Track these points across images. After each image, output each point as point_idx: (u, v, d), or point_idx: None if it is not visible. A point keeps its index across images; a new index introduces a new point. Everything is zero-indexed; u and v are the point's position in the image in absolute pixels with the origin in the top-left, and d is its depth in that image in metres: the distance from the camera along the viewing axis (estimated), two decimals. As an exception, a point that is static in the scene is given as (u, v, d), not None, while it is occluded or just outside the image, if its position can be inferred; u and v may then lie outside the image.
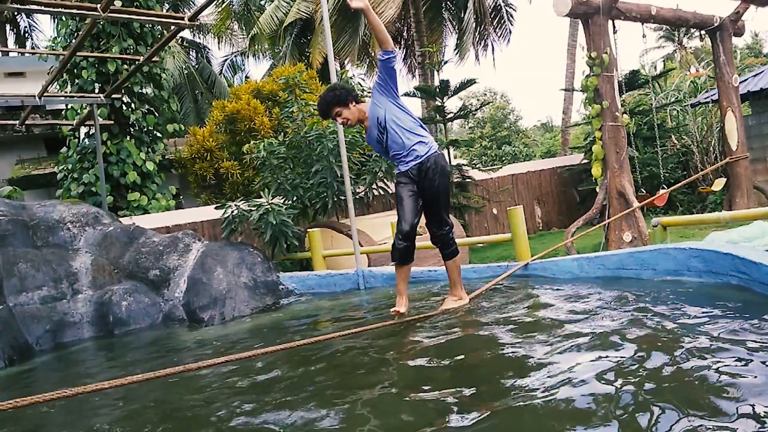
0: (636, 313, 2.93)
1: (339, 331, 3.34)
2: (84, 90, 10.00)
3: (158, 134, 11.25)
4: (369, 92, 3.60)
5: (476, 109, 20.53)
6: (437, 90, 11.29)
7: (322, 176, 7.64)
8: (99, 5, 5.63)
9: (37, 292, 4.97)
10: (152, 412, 2.66)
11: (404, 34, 19.54)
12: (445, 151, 11.40)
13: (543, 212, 13.25)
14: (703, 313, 2.78)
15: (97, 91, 9.87)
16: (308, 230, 6.99)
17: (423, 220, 3.76)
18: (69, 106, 10.85)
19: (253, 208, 6.89)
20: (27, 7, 5.67)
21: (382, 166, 8.01)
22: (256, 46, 19.28)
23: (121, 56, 9.52)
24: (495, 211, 12.34)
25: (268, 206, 6.78)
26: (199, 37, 22.40)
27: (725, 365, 2.08)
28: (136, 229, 5.85)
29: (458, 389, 2.26)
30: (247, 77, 22.94)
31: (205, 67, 21.39)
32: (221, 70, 22.86)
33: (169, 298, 5.30)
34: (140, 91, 10.67)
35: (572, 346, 2.56)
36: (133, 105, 10.56)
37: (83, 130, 10.62)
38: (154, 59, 7.93)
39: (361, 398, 2.33)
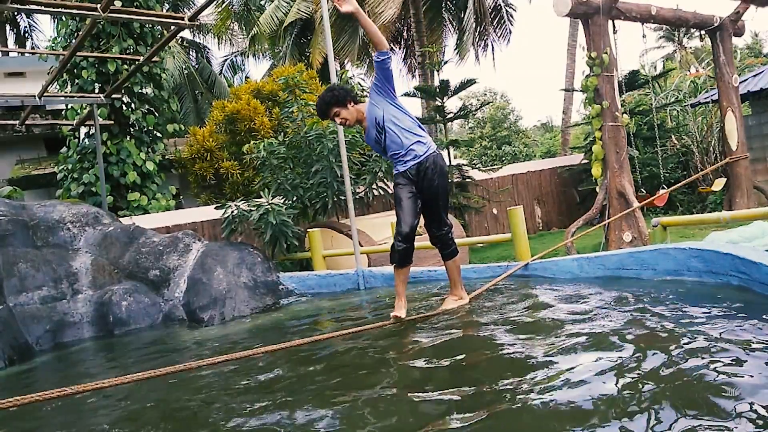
0: (636, 313, 2.93)
1: (339, 331, 3.35)
2: (84, 90, 10.01)
3: (158, 134, 11.25)
4: (369, 92, 3.60)
5: (476, 109, 20.53)
6: (437, 90, 11.29)
7: (322, 176, 7.64)
8: (99, 5, 5.63)
9: (37, 292, 4.97)
10: (152, 412, 2.66)
11: (404, 34, 19.55)
12: (445, 151, 11.41)
13: (543, 212, 13.25)
14: (703, 313, 2.78)
15: (97, 91, 9.88)
16: (308, 230, 6.99)
17: (422, 221, 3.76)
18: (69, 106, 10.85)
19: (253, 208, 6.89)
20: (27, 7, 5.67)
21: (382, 166, 8.01)
22: (256, 46, 19.29)
23: (121, 56, 9.53)
24: (495, 211, 12.35)
25: (268, 206, 6.79)
26: (199, 37, 22.41)
27: (725, 365, 2.07)
28: (136, 229, 5.85)
29: (458, 389, 2.26)
30: (247, 77, 22.96)
31: (205, 67, 21.39)
32: (221, 70, 22.87)
33: (169, 298, 5.30)
34: (140, 91, 10.67)
35: (572, 346, 2.56)
36: (133, 105, 10.56)
37: (83, 130, 10.63)
38: (154, 59, 7.93)
39: (361, 398, 2.33)
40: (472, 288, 4.07)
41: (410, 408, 2.19)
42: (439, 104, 11.44)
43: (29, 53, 16.54)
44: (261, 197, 7.23)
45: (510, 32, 18.98)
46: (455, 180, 11.32)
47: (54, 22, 14.87)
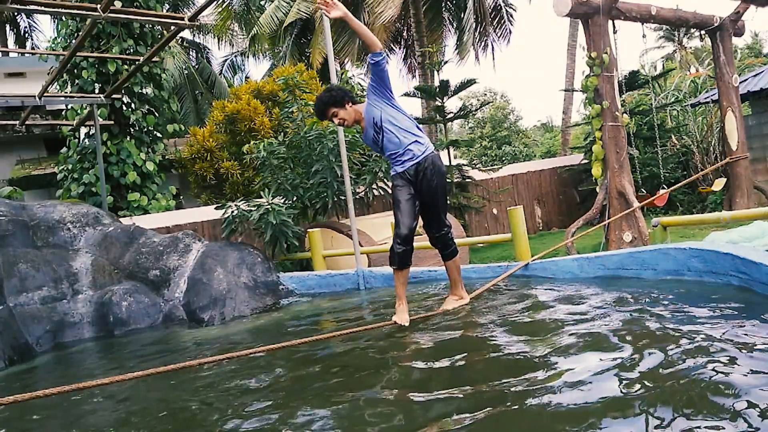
0: (636, 313, 2.93)
1: (339, 331, 3.35)
2: (84, 90, 10.00)
3: (158, 134, 11.24)
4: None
5: (476, 109, 20.53)
6: (437, 90, 11.29)
7: (322, 176, 7.64)
8: (99, 5, 5.63)
9: (37, 292, 4.97)
10: (152, 412, 2.66)
11: (404, 34, 19.55)
12: (445, 151, 11.41)
13: (543, 212, 13.25)
14: (703, 313, 2.78)
15: (97, 91, 9.87)
16: (308, 230, 6.99)
17: (421, 222, 3.75)
18: (69, 107, 10.84)
19: (253, 208, 6.89)
20: (27, 7, 5.68)
21: (382, 166, 8.00)
22: (256, 47, 19.28)
23: (121, 56, 9.52)
24: (495, 211, 12.35)
25: (268, 206, 6.79)
26: (199, 38, 22.42)
27: (725, 365, 2.08)
28: (136, 230, 5.85)
29: (458, 389, 2.26)
30: (247, 77, 22.96)
31: (205, 67, 21.39)
32: (221, 70, 22.87)
33: (169, 298, 5.30)
34: (140, 91, 10.66)
35: (572, 346, 2.56)
36: (133, 105, 10.55)
37: (83, 130, 10.62)
38: (154, 59, 7.93)
39: (361, 398, 2.33)
40: (472, 288, 4.07)
41: (410, 408, 2.19)
42: (439, 104, 11.44)
43: (29, 53, 16.54)
44: (261, 197, 7.22)
45: (510, 32, 18.98)
46: (455, 180, 11.32)
47: (54, 22, 14.88)
